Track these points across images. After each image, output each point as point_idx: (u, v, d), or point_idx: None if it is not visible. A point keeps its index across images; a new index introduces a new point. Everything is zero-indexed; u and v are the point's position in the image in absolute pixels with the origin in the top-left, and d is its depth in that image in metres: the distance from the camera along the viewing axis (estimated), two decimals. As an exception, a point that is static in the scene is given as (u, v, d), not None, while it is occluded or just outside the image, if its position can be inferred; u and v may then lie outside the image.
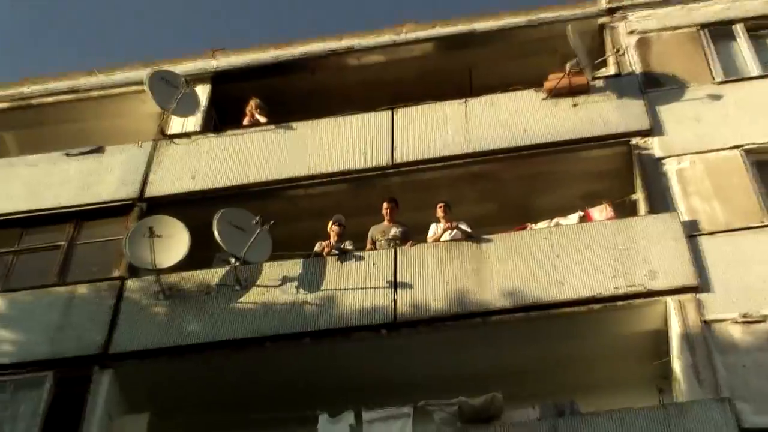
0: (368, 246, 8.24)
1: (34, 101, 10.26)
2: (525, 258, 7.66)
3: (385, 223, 8.35)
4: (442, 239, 8.06)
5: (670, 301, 7.21)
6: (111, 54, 22.98)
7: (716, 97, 8.56)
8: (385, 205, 8.35)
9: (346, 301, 7.67)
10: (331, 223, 8.41)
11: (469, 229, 8.06)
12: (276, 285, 7.89)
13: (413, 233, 8.28)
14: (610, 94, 8.88)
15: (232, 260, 7.88)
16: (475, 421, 6.67)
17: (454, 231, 8.07)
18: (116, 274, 8.36)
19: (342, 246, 8.18)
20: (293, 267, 8.03)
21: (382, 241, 8.15)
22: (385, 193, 8.68)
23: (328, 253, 8.09)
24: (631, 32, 9.37)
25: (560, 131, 8.68)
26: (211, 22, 22.28)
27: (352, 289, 7.73)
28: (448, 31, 9.89)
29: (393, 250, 7.97)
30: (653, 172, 8.22)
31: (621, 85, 8.96)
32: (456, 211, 8.33)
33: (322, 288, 7.80)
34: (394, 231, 8.21)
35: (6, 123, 10.39)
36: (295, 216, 8.82)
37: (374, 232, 8.28)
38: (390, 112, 9.20)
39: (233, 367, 7.70)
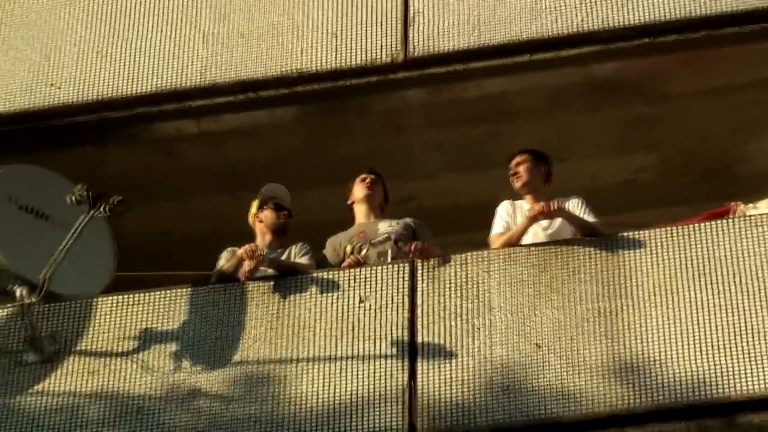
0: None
1: None
2: (726, 284, 7.44)
3: (362, 219, 8.66)
4: (526, 240, 8.07)
5: None
6: None
7: None
8: (362, 177, 8.76)
9: (295, 389, 7.53)
10: (257, 202, 8.64)
11: (592, 218, 8.02)
12: (125, 352, 7.78)
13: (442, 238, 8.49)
14: None
15: (19, 292, 7.81)
16: None
17: (556, 221, 8.03)
18: None
19: (281, 255, 8.30)
20: (170, 306, 7.97)
21: (365, 250, 8.42)
22: (388, 124, 9.25)
23: (251, 274, 8.03)
24: None
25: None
26: None
27: (309, 360, 7.60)
28: None
29: (409, 264, 7.93)
30: None
31: None
32: (558, 172, 8.45)
33: (238, 359, 7.68)
34: (387, 226, 8.51)
35: None
36: (174, 184, 9.33)
37: (337, 242, 8.60)
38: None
39: None
